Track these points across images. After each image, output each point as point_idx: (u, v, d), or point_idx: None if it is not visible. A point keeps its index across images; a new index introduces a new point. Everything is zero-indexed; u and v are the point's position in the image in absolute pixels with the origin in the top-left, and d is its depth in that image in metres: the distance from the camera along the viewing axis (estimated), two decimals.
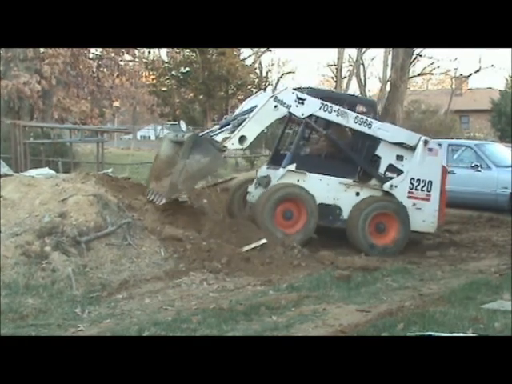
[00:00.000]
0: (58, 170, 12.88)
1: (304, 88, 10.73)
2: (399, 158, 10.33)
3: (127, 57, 25.42)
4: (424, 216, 10.39)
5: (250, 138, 9.31)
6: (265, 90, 56.15)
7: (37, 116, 21.30)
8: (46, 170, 10.52)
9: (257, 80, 55.49)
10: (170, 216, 9.35)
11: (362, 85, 41.72)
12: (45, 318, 6.29)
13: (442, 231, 12.12)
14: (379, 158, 10.31)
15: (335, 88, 43.60)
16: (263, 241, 9.06)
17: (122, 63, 24.62)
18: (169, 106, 52.14)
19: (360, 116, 10.02)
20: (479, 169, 14.64)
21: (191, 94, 54.41)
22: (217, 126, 10.27)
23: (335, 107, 9.85)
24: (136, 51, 25.09)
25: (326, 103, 9.83)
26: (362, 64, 43.01)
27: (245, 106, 10.54)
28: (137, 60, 26.85)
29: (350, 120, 9.91)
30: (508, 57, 52.30)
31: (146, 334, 5.70)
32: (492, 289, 7.48)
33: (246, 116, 9.51)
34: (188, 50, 47.84)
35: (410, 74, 36.35)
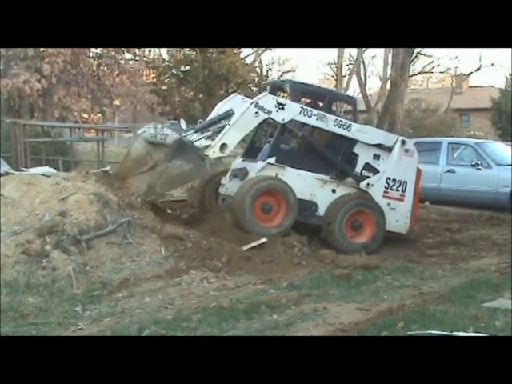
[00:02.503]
0: (58, 168, 12.88)
1: (286, 80, 10.67)
2: (376, 157, 10.33)
3: (127, 55, 25.44)
4: (397, 216, 10.37)
5: (231, 146, 9.23)
6: (265, 89, 56.17)
7: (37, 115, 21.30)
8: (47, 169, 10.52)
9: (257, 78, 55.52)
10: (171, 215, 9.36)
11: (363, 83, 41.67)
12: (45, 317, 6.29)
13: (443, 230, 12.15)
14: (357, 156, 10.31)
15: (335, 87, 43.57)
16: (263, 240, 9.07)
17: (122, 62, 24.62)
18: (169, 104, 52.11)
19: (339, 119, 10.04)
20: (480, 167, 14.63)
21: (191, 93, 54.39)
22: (192, 130, 10.20)
23: (315, 111, 9.81)
24: (136, 50, 25.09)
25: (305, 108, 9.81)
26: (363, 62, 42.99)
27: (219, 109, 10.43)
28: (137, 59, 26.85)
29: (329, 124, 9.90)
30: (508, 55, 52.31)
31: (146, 332, 5.70)
32: (492, 287, 7.49)
33: (226, 123, 9.41)
34: (188, 49, 47.82)
35: (411, 73, 36.33)
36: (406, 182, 10.37)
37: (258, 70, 55.49)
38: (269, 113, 9.50)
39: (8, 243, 7.56)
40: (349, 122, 10.11)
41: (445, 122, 38.38)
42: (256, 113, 9.40)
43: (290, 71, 58.52)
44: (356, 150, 10.26)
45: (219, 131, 9.38)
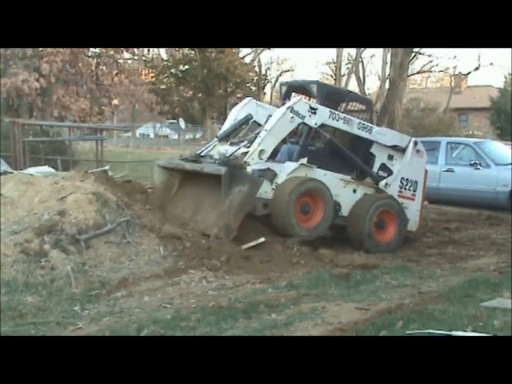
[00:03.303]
0: (57, 168, 12.88)
1: (310, 81, 10.83)
2: (390, 157, 10.59)
3: (126, 55, 25.46)
4: (409, 215, 10.60)
5: (269, 151, 9.36)
6: (264, 88, 55.86)
7: (36, 114, 21.31)
8: (45, 168, 10.51)
9: (256, 78, 55.57)
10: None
11: (361, 83, 41.75)
12: (44, 316, 6.29)
13: (441, 229, 12.16)
14: (374, 156, 10.54)
15: None
16: (262, 239, 9.07)
17: (121, 61, 24.65)
18: (168, 104, 52.13)
19: (362, 122, 10.26)
20: (478, 167, 14.64)
21: (190, 92, 54.47)
22: (215, 139, 10.33)
23: (341, 115, 10.04)
24: (135, 49, 25.10)
25: (334, 112, 9.99)
26: (361, 62, 43.08)
27: (237, 114, 10.56)
28: (136, 58, 26.87)
29: (354, 127, 10.11)
30: (507, 55, 52.37)
31: (145, 332, 5.70)
32: (491, 287, 7.49)
33: (263, 129, 9.50)
34: (187, 48, 47.82)
35: (409, 72, 36.41)
36: (416, 182, 10.71)
37: (256, 69, 55.58)
38: (302, 117, 9.60)
39: (7, 242, 7.56)
40: (370, 125, 10.40)
41: (443, 122, 38.42)
42: (292, 118, 9.50)
43: (288, 70, 58.77)
44: (373, 150, 10.52)
45: (255, 138, 9.50)
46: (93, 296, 6.99)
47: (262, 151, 9.26)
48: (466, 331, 5.47)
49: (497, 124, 36.55)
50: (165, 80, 53.13)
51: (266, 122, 9.94)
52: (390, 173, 10.54)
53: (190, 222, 9.28)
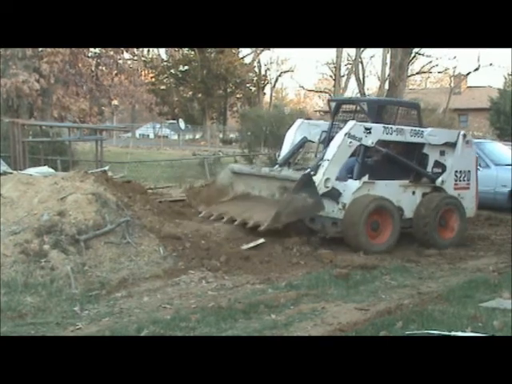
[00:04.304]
0: (56, 168, 12.88)
1: (362, 99, 11.20)
2: (442, 153, 11.03)
3: (126, 55, 25.46)
4: (466, 203, 11.07)
5: (333, 178, 9.80)
6: (263, 88, 55.85)
7: (36, 114, 21.32)
8: (45, 169, 10.51)
9: (255, 78, 55.57)
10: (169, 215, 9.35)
11: (361, 83, 41.67)
12: (44, 317, 6.30)
13: None
14: (427, 156, 10.96)
15: (334, 86, 43.63)
16: (261, 240, 9.08)
17: (120, 61, 24.65)
18: (167, 104, 52.15)
19: (414, 129, 10.64)
20: (478, 167, 14.62)
21: (190, 93, 54.46)
22: (277, 166, 10.81)
23: (394, 128, 10.40)
24: (135, 49, 25.11)
25: (387, 126, 10.37)
26: (361, 62, 43.00)
27: (293, 138, 11.06)
28: (136, 58, 26.88)
29: (407, 135, 10.53)
30: (507, 55, 52.38)
31: (144, 332, 5.71)
32: (491, 287, 7.50)
33: (325, 159, 9.89)
34: (187, 49, 47.83)
35: (409, 73, 36.37)
36: (469, 171, 11.24)
37: (256, 69, 55.58)
38: (359, 140, 10.01)
39: (6, 243, 7.56)
40: (421, 129, 10.77)
41: (443, 122, 38.29)
42: (350, 142, 9.94)
43: (288, 71, 58.78)
44: (425, 150, 10.92)
45: (318, 165, 9.95)
46: (92, 296, 7.00)
47: (327, 180, 9.77)
48: (465, 331, 5.48)
49: (496, 124, 36.52)
50: (164, 80, 53.14)
51: (319, 140, 11.05)
52: (444, 168, 10.98)
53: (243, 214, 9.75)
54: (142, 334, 5.65)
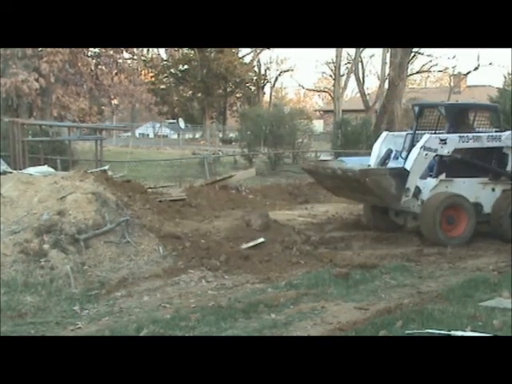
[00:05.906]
0: (56, 167, 12.89)
1: (441, 103, 11.94)
2: None
3: (126, 55, 25.46)
4: None
5: (412, 188, 10.55)
6: (263, 88, 55.81)
7: (35, 114, 21.31)
8: (45, 168, 10.52)
9: (255, 78, 55.56)
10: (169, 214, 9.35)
11: (361, 82, 41.65)
12: (43, 316, 6.30)
13: None
14: (507, 155, 11.32)
15: (333, 86, 43.59)
16: (261, 239, 9.08)
17: (120, 61, 24.65)
18: (167, 103, 52.15)
19: (491, 135, 11.17)
20: None
21: (190, 92, 54.46)
22: None
23: (470, 135, 10.94)
24: (135, 49, 25.11)
25: (462, 135, 10.87)
26: (361, 62, 42.94)
27: (379, 150, 11.70)
28: (135, 58, 26.88)
29: (483, 141, 11.03)
30: (507, 55, 52.38)
31: (144, 331, 5.71)
32: (490, 286, 7.50)
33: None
34: (186, 48, 47.81)
35: (409, 72, 36.36)
36: None
37: (256, 69, 55.55)
38: (435, 151, 10.67)
39: (6, 242, 7.56)
40: (499, 134, 11.25)
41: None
42: (426, 154, 10.63)
43: (288, 70, 58.73)
44: (505, 150, 11.32)
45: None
46: (92, 296, 7.00)
47: (407, 190, 10.52)
48: (465, 331, 5.48)
49: (496, 123, 36.52)
50: (164, 80, 53.12)
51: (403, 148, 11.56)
52: None
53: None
54: (142, 334, 5.65)
